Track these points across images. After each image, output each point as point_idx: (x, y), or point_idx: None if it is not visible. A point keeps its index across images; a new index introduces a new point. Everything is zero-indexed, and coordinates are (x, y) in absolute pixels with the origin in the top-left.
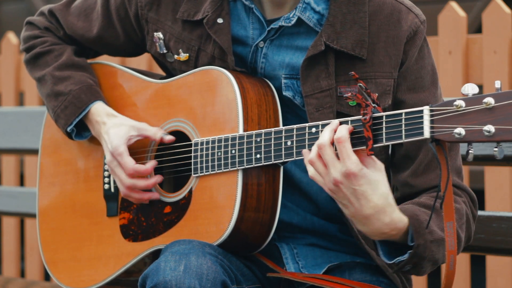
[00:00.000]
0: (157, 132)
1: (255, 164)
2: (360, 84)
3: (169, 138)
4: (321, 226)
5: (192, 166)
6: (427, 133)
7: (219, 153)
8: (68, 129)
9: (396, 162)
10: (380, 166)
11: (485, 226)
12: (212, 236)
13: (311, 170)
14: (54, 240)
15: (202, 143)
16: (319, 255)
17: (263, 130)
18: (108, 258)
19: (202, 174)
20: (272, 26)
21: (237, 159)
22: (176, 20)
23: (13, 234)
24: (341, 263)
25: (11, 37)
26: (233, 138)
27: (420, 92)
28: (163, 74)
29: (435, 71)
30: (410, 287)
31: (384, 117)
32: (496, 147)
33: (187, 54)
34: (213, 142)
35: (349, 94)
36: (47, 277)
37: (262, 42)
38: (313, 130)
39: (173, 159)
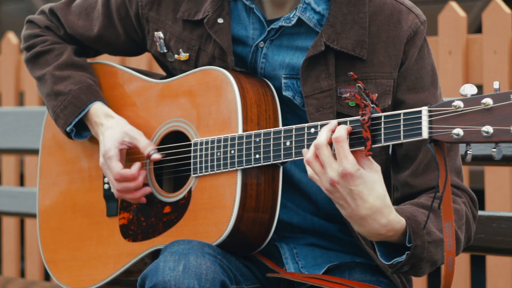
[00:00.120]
0: (147, 147)
1: (254, 164)
2: (359, 85)
3: (156, 157)
4: (321, 226)
5: (192, 166)
6: (425, 134)
7: (219, 153)
8: (68, 129)
9: (396, 162)
10: (377, 167)
11: (485, 226)
12: (212, 236)
13: (309, 170)
14: (54, 240)
15: (201, 143)
16: (319, 255)
17: (262, 130)
18: (108, 258)
19: (202, 174)
20: (272, 26)
21: (236, 159)
22: (177, 20)
23: (13, 234)
24: (341, 263)
25: (11, 37)
26: (232, 138)
27: (420, 92)
28: (163, 74)
29: (435, 71)
30: (410, 287)
31: (382, 117)
32: (494, 148)
33: (188, 54)
34: (213, 142)
35: (348, 94)
36: (47, 277)
37: (262, 42)
38: (312, 130)
39: (172, 159)
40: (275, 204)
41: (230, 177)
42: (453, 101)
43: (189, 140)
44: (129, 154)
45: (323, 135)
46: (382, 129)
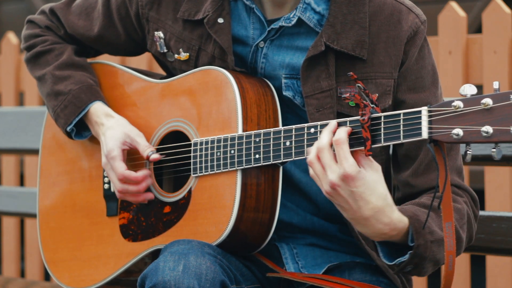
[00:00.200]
0: (146, 149)
1: (254, 164)
2: (359, 85)
3: (155, 157)
4: (321, 226)
5: (192, 166)
6: (425, 134)
7: (218, 153)
8: (68, 128)
9: (397, 161)
10: (377, 167)
11: (485, 226)
12: (211, 236)
13: (311, 170)
14: (54, 239)
15: (201, 143)
16: (319, 255)
17: (262, 130)
18: (108, 257)
19: (202, 174)
20: (272, 26)
21: (236, 159)
22: (177, 20)
23: (13, 234)
24: (341, 263)
25: (11, 37)
26: (232, 138)
27: (420, 92)
28: (164, 73)
29: (436, 71)
30: (410, 287)
31: (382, 117)
32: (494, 148)
33: (188, 54)
34: (212, 142)
35: (348, 94)
36: (47, 277)
37: (262, 42)
38: (312, 130)
39: (172, 159)
40: (275, 204)
41: (230, 177)
42: (453, 101)
43: (189, 140)
44: (130, 154)
45: (324, 137)
46: (382, 129)
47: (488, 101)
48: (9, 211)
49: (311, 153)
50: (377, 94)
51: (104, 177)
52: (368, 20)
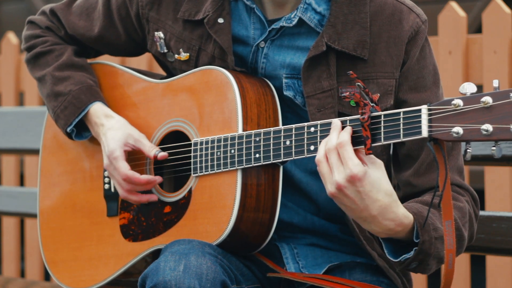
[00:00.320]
0: (151, 149)
1: (254, 163)
2: (359, 84)
3: (162, 155)
4: (322, 226)
5: (192, 166)
6: (425, 132)
7: (219, 153)
8: (68, 129)
9: (398, 161)
10: (380, 163)
11: (485, 226)
12: (212, 236)
13: (317, 167)
14: (55, 240)
15: (201, 143)
16: (320, 255)
17: (262, 130)
18: (108, 258)
19: (202, 174)
20: (273, 26)
21: (236, 159)
22: (177, 20)
23: (13, 234)
24: (342, 263)
25: (11, 37)
26: (232, 138)
27: (422, 91)
28: (164, 74)
29: (437, 70)
30: (411, 287)
31: (382, 116)
32: (494, 146)
33: (188, 54)
34: (213, 142)
35: (347, 93)
36: (47, 277)
37: (263, 42)
38: (312, 129)
39: (172, 159)
40: (275, 204)
41: (230, 177)
42: (452, 99)
43: (189, 140)
44: (129, 155)
45: (334, 138)
46: (382, 127)
47: (487, 99)
48: (9, 211)
49: (319, 152)
50: (378, 94)
51: (104, 177)
52: (369, 20)
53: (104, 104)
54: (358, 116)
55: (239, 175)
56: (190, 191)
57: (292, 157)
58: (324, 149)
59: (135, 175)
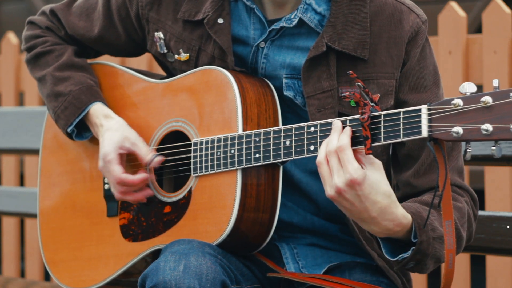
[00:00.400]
0: (147, 154)
1: (254, 163)
2: (359, 84)
3: (158, 160)
4: (321, 226)
5: (192, 166)
6: (425, 132)
7: (219, 153)
8: (68, 129)
9: (398, 161)
10: (379, 164)
11: (485, 226)
12: (212, 236)
13: (318, 168)
14: (55, 240)
15: (201, 143)
16: (319, 255)
17: (262, 130)
18: (108, 258)
19: (202, 174)
20: (273, 26)
21: (236, 159)
22: (177, 20)
23: (13, 234)
24: (341, 263)
25: (11, 37)
26: (232, 138)
27: (422, 92)
28: (164, 74)
29: (437, 71)
30: (410, 287)
31: (382, 116)
32: (494, 146)
33: (188, 54)
34: (213, 142)
35: (347, 93)
36: (47, 277)
37: (263, 42)
38: (312, 129)
39: (172, 159)
40: (275, 204)
41: (230, 177)
42: (452, 99)
43: (189, 140)
44: (130, 155)
45: (335, 140)
46: (382, 127)
47: (487, 99)
48: (9, 211)
49: (320, 154)
50: (379, 95)
51: (104, 177)
52: (369, 20)
53: (104, 105)
54: (358, 116)
55: (239, 175)
56: (190, 191)
57: (292, 157)
58: (324, 151)
59: (128, 177)
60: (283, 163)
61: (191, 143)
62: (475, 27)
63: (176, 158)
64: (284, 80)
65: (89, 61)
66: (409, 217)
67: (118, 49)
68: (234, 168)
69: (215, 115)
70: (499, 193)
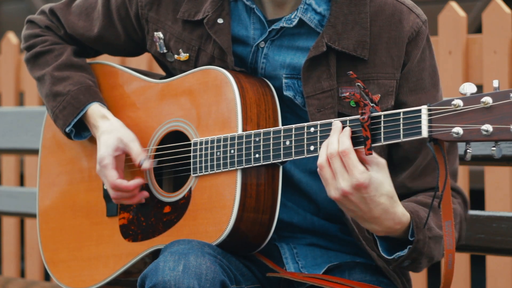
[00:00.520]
0: (139, 155)
1: (254, 164)
2: (359, 84)
3: (147, 165)
4: (321, 226)
5: (192, 166)
6: (425, 133)
7: (218, 153)
8: (67, 129)
9: (393, 164)
10: (383, 164)
11: (485, 226)
12: (211, 236)
13: (318, 170)
14: (54, 240)
15: (201, 143)
16: (319, 255)
17: (262, 130)
18: (108, 258)
19: (202, 174)
20: (273, 27)
21: (236, 159)
22: (177, 20)
23: (13, 234)
24: (341, 263)
25: (11, 37)
26: (232, 138)
27: (420, 93)
28: (163, 74)
29: (437, 72)
30: (410, 287)
31: (382, 116)
32: (494, 147)
33: (187, 54)
34: (212, 142)
35: (347, 93)
36: (47, 277)
37: (263, 42)
38: (312, 129)
39: (172, 159)
40: (275, 204)
41: (230, 177)
42: (452, 99)
43: (189, 140)
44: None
45: (335, 142)
46: (382, 128)
47: (488, 99)
48: (9, 211)
49: (321, 156)
50: (379, 95)
51: None
52: (369, 20)
53: (102, 105)
54: (358, 116)
55: (238, 175)
56: (189, 191)
57: (292, 157)
58: (325, 154)
59: (123, 183)
60: (283, 163)
61: (190, 143)
62: (475, 27)
63: (175, 158)
64: (284, 80)
65: (88, 60)
66: (407, 215)
67: (117, 49)
68: (234, 168)
69: (215, 115)
70: (499, 193)
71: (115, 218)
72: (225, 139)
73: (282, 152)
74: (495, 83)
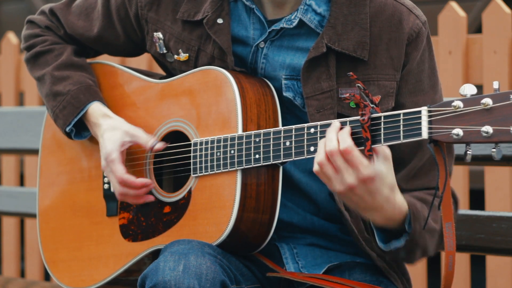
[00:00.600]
0: (148, 140)
1: (254, 164)
2: (359, 85)
3: (160, 146)
4: (321, 226)
5: (192, 166)
6: (425, 134)
7: (218, 153)
8: (67, 129)
9: None
10: (388, 155)
11: (485, 226)
12: (212, 236)
13: (316, 168)
14: (54, 239)
15: (201, 143)
16: (319, 255)
17: (262, 130)
18: (108, 258)
19: (202, 174)
20: (273, 27)
21: (236, 159)
22: (176, 20)
23: (13, 234)
24: (341, 263)
25: (11, 37)
26: (232, 138)
27: (419, 95)
28: (163, 74)
29: (436, 74)
30: (410, 287)
31: (382, 117)
32: (494, 148)
33: (187, 54)
34: (212, 142)
35: (347, 94)
36: (47, 277)
37: (262, 42)
38: (312, 130)
39: (172, 159)
40: (275, 204)
41: (230, 177)
42: (452, 101)
43: (189, 140)
44: (129, 154)
45: (333, 140)
46: (382, 129)
47: (488, 101)
48: (9, 211)
49: (320, 155)
50: (379, 96)
51: (104, 177)
52: (369, 21)
53: (103, 104)
54: (358, 117)
55: (238, 176)
56: (189, 192)
57: (292, 158)
58: (324, 152)
59: (131, 178)
60: (283, 163)
61: (190, 143)
62: (475, 27)
63: (175, 158)
64: (284, 81)
65: (88, 60)
66: (406, 205)
67: (117, 49)
68: (234, 168)
69: (215, 115)
70: (499, 193)
71: (115, 218)
72: (225, 140)
73: (282, 152)
74: (495, 85)
